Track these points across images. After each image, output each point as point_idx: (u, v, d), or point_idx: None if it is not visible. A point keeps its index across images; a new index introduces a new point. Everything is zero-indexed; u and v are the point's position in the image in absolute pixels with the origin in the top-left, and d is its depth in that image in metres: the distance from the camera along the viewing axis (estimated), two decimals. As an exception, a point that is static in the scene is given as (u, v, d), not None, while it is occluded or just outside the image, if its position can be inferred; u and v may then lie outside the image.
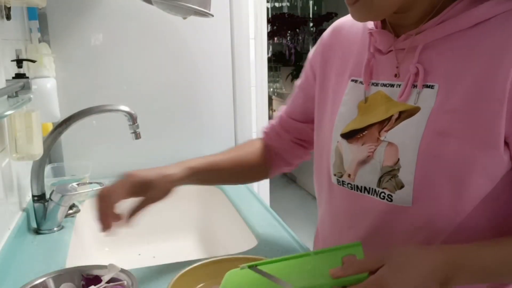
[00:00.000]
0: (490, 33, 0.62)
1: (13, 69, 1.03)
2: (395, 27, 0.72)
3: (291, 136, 0.95)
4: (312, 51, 0.91)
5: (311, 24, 4.82)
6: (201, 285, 0.80)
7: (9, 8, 1.10)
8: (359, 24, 0.79)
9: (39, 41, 1.34)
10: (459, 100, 0.63)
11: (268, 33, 2.55)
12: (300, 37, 4.66)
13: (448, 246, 0.63)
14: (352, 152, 0.74)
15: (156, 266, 0.90)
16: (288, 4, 5.23)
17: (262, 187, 1.85)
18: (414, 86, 0.67)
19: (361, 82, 0.75)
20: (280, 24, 4.50)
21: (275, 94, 4.69)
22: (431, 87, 0.66)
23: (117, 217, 0.74)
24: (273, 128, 0.98)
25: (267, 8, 3.98)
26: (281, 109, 0.99)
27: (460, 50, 0.64)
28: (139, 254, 1.35)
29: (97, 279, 0.74)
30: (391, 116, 0.69)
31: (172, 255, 1.30)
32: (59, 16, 1.43)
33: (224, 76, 1.64)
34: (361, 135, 0.73)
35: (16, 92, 0.97)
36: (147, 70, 1.55)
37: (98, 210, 0.73)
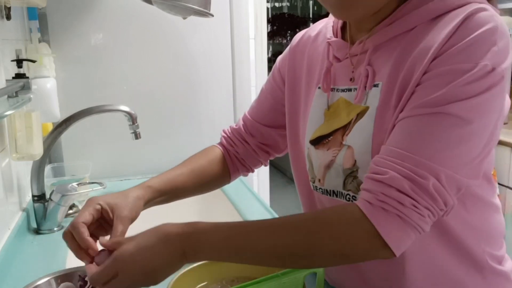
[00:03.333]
0: (428, 31, 0.63)
1: (13, 69, 1.03)
2: (354, 34, 0.74)
3: (255, 141, 0.94)
4: (279, 58, 0.92)
5: (311, 24, 4.81)
6: (201, 285, 0.80)
7: (9, 8, 1.10)
8: (322, 34, 0.82)
9: (39, 41, 1.34)
10: (396, 95, 0.64)
11: (268, 33, 2.55)
12: (300, 37, 4.65)
13: (190, 224, 0.64)
14: (319, 157, 0.75)
15: (156, 266, 0.90)
16: (288, 4, 5.23)
17: (262, 187, 1.85)
18: (366, 87, 0.69)
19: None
20: (280, 24, 4.51)
21: (275, 94, 4.69)
22: (377, 86, 0.67)
23: (93, 248, 0.71)
24: (237, 132, 0.96)
25: (267, 8, 3.98)
26: (243, 114, 0.97)
27: (401, 49, 0.66)
28: (139, 254, 1.35)
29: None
30: (351, 120, 0.71)
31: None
32: (59, 16, 1.44)
33: (224, 76, 1.64)
34: (326, 140, 0.74)
35: (16, 92, 0.97)
36: (147, 70, 1.55)
37: (72, 251, 0.71)
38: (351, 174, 0.70)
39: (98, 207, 0.73)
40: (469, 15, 0.59)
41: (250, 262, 0.64)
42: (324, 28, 0.83)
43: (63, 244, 1.04)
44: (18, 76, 1.00)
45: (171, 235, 0.62)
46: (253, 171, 0.99)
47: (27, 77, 1.01)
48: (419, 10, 0.65)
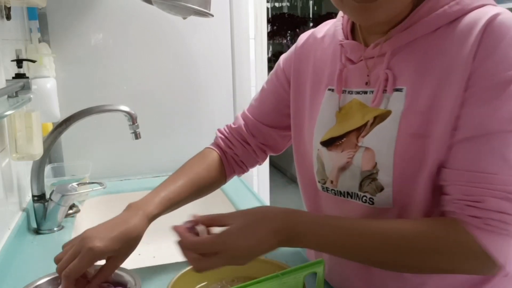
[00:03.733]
0: (449, 35, 0.64)
1: (13, 69, 1.03)
2: (366, 36, 0.74)
3: (256, 141, 0.93)
4: (284, 58, 0.91)
5: (311, 24, 4.82)
6: (201, 285, 0.80)
7: (9, 8, 1.10)
8: (329, 36, 0.81)
9: (39, 41, 1.34)
10: (424, 100, 0.64)
11: (268, 33, 2.55)
12: (300, 37, 4.66)
13: (295, 214, 0.67)
14: (332, 159, 0.75)
15: (156, 266, 0.90)
16: (288, 4, 5.23)
17: (262, 187, 1.85)
18: (385, 91, 0.69)
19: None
20: (280, 24, 4.51)
21: (275, 94, 4.69)
22: (400, 90, 0.67)
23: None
24: (236, 132, 0.95)
25: (267, 8, 3.98)
26: (242, 112, 0.97)
27: (423, 54, 0.66)
28: (139, 254, 1.35)
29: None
30: (367, 122, 0.71)
31: (172, 255, 1.30)
32: (59, 16, 1.43)
33: (224, 76, 1.64)
34: (340, 142, 0.74)
35: (16, 92, 0.96)
36: (147, 70, 1.55)
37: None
38: (370, 176, 0.70)
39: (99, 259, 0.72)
40: (490, 21, 0.60)
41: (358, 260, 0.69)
42: (331, 29, 0.82)
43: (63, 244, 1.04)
44: (18, 76, 1.00)
45: (274, 222, 0.65)
46: (247, 171, 1.00)
47: (27, 77, 1.01)
48: (437, 13, 0.65)
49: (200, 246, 0.64)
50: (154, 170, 1.58)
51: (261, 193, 1.80)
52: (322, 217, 0.69)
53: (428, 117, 0.64)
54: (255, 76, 1.76)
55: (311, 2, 5.15)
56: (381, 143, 0.68)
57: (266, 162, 1.41)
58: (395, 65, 0.69)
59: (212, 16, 1.25)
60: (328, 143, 0.76)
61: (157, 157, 1.59)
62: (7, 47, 1.11)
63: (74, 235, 1.10)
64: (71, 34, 1.46)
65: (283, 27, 4.50)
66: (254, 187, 1.80)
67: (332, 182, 0.76)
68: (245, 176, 1.59)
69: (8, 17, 1.10)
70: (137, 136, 1.18)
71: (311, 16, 5.10)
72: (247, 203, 1.27)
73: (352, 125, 0.73)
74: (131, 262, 0.79)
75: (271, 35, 4.48)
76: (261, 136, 0.93)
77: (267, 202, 1.78)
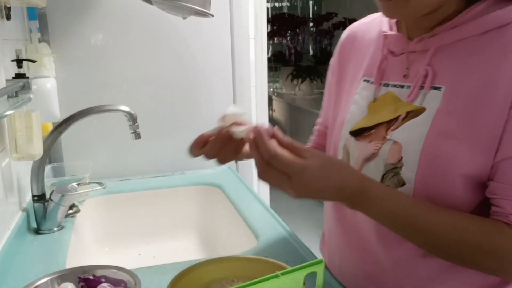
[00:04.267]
0: (497, 40, 0.63)
1: (13, 69, 1.03)
2: (410, 30, 0.73)
3: None
4: (331, 61, 0.92)
5: (311, 24, 4.82)
6: (201, 285, 0.80)
7: (9, 8, 1.10)
8: (375, 29, 0.81)
9: (39, 41, 1.34)
10: (462, 103, 0.64)
11: (268, 33, 2.55)
12: (300, 37, 4.65)
13: (370, 179, 0.67)
14: (359, 149, 0.75)
15: (156, 266, 0.90)
16: (288, 4, 5.23)
17: (262, 187, 1.85)
18: (422, 87, 0.69)
19: (372, 82, 0.77)
20: (280, 24, 4.50)
21: (275, 94, 4.69)
22: (438, 89, 0.67)
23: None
24: (315, 144, 0.98)
25: (267, 8, 3.98)
26: (317, 123, 0.99)
27: (468, 55, 0.65)
28: (139, 254, 1.35)
29: (94, 281, 0.74)
30: (398, 116, 0.71)
31: (172, 255, 1.31)
32: (59, 16, 1.43)
33: (224, 76, 1.64)
34: (369, 133, 0.75)
35: (16, 92, 0.96)
36: (147, 70, 1.55)
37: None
38: (393, 170, 0.70)
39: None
40: None
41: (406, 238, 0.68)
42: (374, 21, 0.82)
43: (63, 244, 1.05)
44: (18, 76, 1.00)
45: (352, 176, 0.65)
46: None
47: (27, 77, 1.01)
48: (489, 16, 0.64)
49: (279, 159, 0.61)
50: (154, 170, 1.58)
51: (261, 193, 1.80)
52: (392, 189, 0.69)
53: (463, 120, 0.64)
54: (255, 76, 1.76)
55: (311, 2, 5.15)
56: (410, 138, 0.68)
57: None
58: (436, 62, 0.68)
59: (212, 16, 1.25)
60: (357, 133, 0.76)
61: (157, 157, 1.59)
62: (7, 47, 1.11)
63: (74, 235, 1.10)
64: (71, 34, 1.46)
65: (283, 27, 4.50)
66: (254, 187, 1.80)
67: None
68: (245, 176, 1.59)
69: (8, 17, 1.10)
70: (137, 136, 1.18)
71: (311, 16, 5.10)
72: (247, 203, 1.27)
73: (383, 117, 0.73)
74: (131, 262, 0.79)
75: (271, 35, 4.48)
76: None
77: (267, 202, 1.78)
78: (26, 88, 0.99)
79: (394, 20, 0.77)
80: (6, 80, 1.00)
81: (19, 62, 1.01)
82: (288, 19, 4.53)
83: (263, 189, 1.85)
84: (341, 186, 0.64)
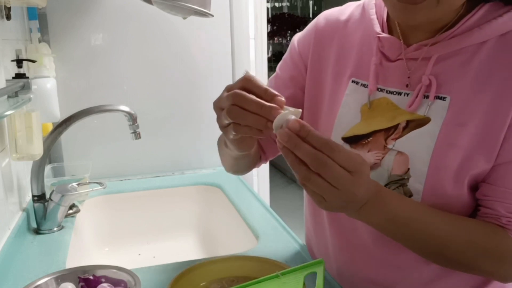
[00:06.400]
0: (503, 50, 0.63)
1: (13, 69, 1.03)
2: (407, 34, 0.70)
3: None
4: (300, 40, 0.84)
5: (311, 24, 4.82)
6: (201, 285, 0.80)
7: (9, 8, 1.10)
8: (356, 23, 0.77)
9: (39, 41, 1.34)
10: (472, 115, 0.63)
11: (268, 33, 2.55)
12: (300, 37, 4.65)
13: (382, 186, 0.64)
14: None
15: (156, 266, 0.90)
16: (288, 4, 5.24)
17: (262, 187, 1.85)
18: (425, 96, 0.67)
19: (363, 85, 0.74)
20: (280, 24, 4.51)
21: (275, 94, 4.68)
22: (443, 99, 0.65)
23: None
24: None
25: (267, 8, 3.98)
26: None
27: (473, 64, 0.64)
28: (139, 254, 1.35)
29: (94, 281, 0.74)
30: (397, 125, 0.69)
31: (172, 255, 1.31)
32: (59, 16, 1.43)
33: (224, 76, 1.64)
34: (366, 141, 0.72)
35: (16, 92, 0.96)
36: (147, 70, 1.55)
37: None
38: (399, 181, 0.68)
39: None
40: None
41: (410, 248, 0.68)
42: (355, 12, 0.78)
43: (63, 244, 1.04)
44: (18, 76, 1.00)
45: (368, 184, 0.60)
46: (267, 161, 0.94)
47: (27, 77, 1.01)
48: (491, 24, 0.63)
49: (332, 171, 0.54)
50: (154, 170, 1.58)
51: (261, 193, 1.80)
52: (398, 195, 0.66)
53: (470, 130, 0.63)
54: (255, 76, 1.76)
55: (311, 2, 5.16)
56: (417, 149, 0.67)
57: (266, 162, 1.41)
58: (440, 71, 0.66)
59: (212, 16, 1.25)
60: (353, 141, 0.74)
61: (157, 157, 1.59)
62: (7, 47, 1.11)
63: (74, 235, 1.10)
64: (71, 34, 1.46)
65: (283, 27, 4.51)
66: (254, 187, 1.80)
67: None
68: (245, 176, 1.59)
69: (8, 17, 1.10)
70: (137, 136, 1.18)
71: (311, 16, 5.11)
72: (247, 203, 1.27)
73: (380, 124, 0.70)
74: (131, 262, 0.79)
75: (271, 35, 4.49)
76: None
77: (267, 202, 1.78)
78: (26, 88, 0.99)
79: (384, 19, 0.73)
80: (6, 80, 1.00)
81: (19, 62, 1.01)
82: (288, 19, 4.54)
83: (263, 189, 1.85)
84: (366, 198, 0.60)
